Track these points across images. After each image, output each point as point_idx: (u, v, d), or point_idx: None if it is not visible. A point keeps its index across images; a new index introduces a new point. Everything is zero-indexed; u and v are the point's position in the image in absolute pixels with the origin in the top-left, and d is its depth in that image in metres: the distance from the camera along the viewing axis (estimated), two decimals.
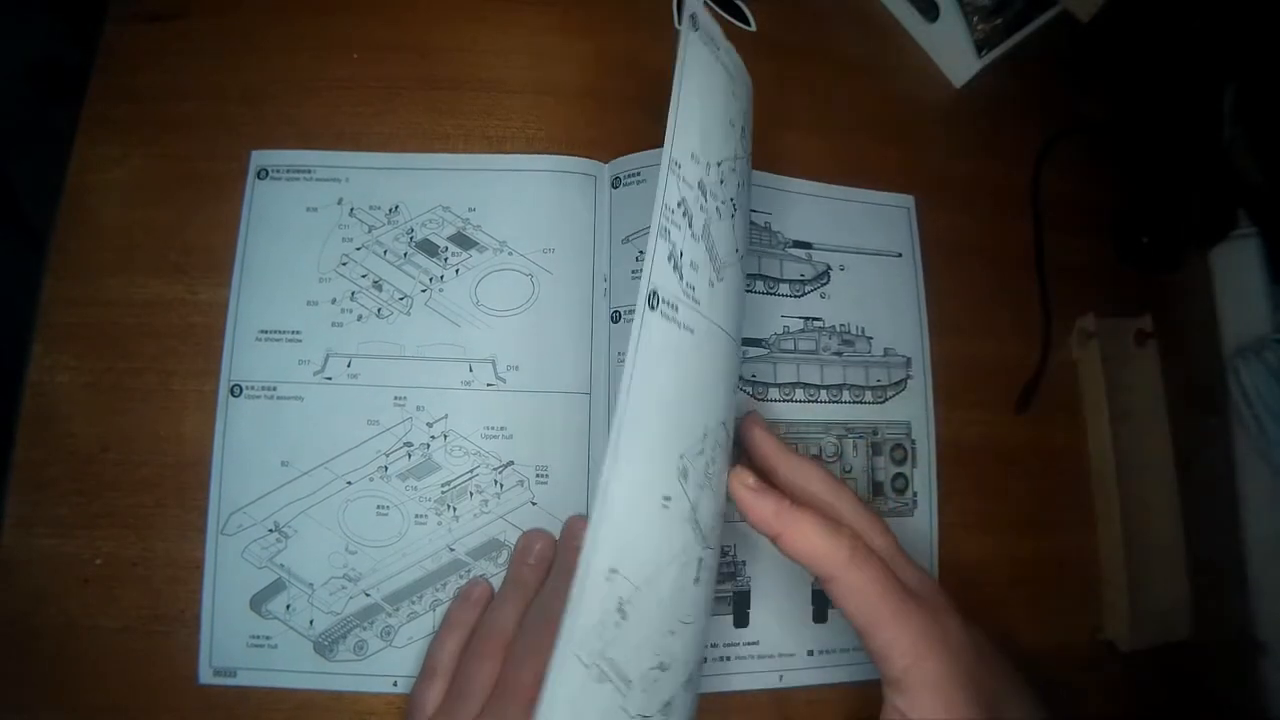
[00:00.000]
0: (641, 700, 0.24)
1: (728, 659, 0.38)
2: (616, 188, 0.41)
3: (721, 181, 0.29)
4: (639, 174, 0.40)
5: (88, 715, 0.34)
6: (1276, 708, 0.43)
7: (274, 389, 0.37)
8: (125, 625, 0.34)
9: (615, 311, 0.39)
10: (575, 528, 0.36)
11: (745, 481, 0.29)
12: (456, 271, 0.39)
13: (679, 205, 0.26)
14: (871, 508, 0.33)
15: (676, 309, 0.26)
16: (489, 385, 0.38)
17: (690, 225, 0.27)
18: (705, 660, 0.29)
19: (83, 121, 0.39)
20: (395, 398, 0.37)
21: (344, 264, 0.38)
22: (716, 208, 0.28)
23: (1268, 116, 0.48)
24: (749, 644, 0.38)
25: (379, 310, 0.38)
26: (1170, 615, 0.42)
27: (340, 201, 0.39)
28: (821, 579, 0.28)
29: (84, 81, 0.39)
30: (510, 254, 0.39)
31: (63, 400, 0.36)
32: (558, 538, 0.36)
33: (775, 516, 0.29)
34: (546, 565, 0.35)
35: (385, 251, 0.39)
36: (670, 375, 0.25)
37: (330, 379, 0.37)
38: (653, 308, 0.24)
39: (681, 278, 0.26)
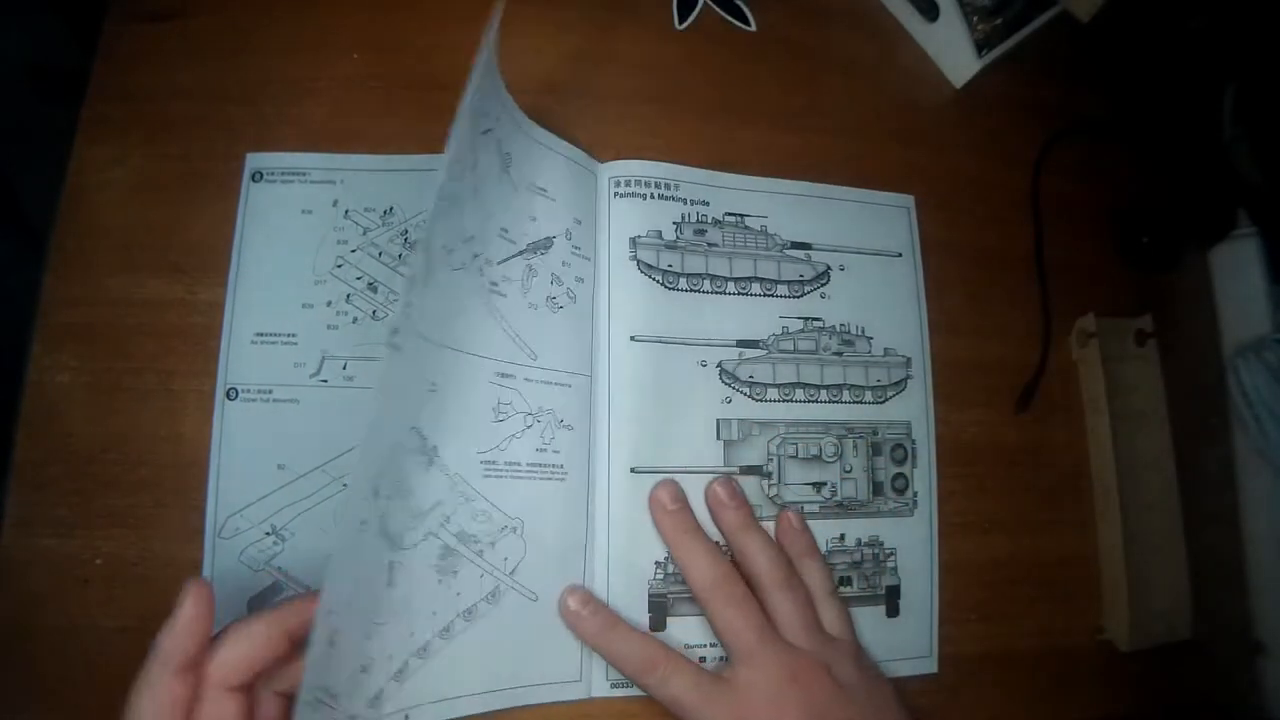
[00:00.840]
0: (349, 704, 0.29)
1: (727, 659, 0.37)
2: (616, 195, 0.41)
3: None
4: (634, 182, 0.41)
5: (87, 715, 0.34)
6: (1276, 708, 0.43)
7: (270, 391, 0.36)
8: (125, 625, 0.34)
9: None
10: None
11: (568, 603, 0.35)
12: None
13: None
14: (769, 582, 0.36)
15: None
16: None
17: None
18: (430, 639, 0.33)
19: (83, 121, 0.39)
20: None
21: (339, 266, 0.38)
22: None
23: (1268, 116, 0.48)
24: None
25: (374, 312, 0.38)
26: (1170, 615, 0.42)
27: (335, 204, 0.39)
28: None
29: (84, 81, 0.39)
30: None
31: (63, 400, 0.36)
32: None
33: (594, 635, 0.35)
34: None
35: (380, 254, 0.39)
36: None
37: (326, 381, 0.37)
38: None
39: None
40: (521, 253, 0.38)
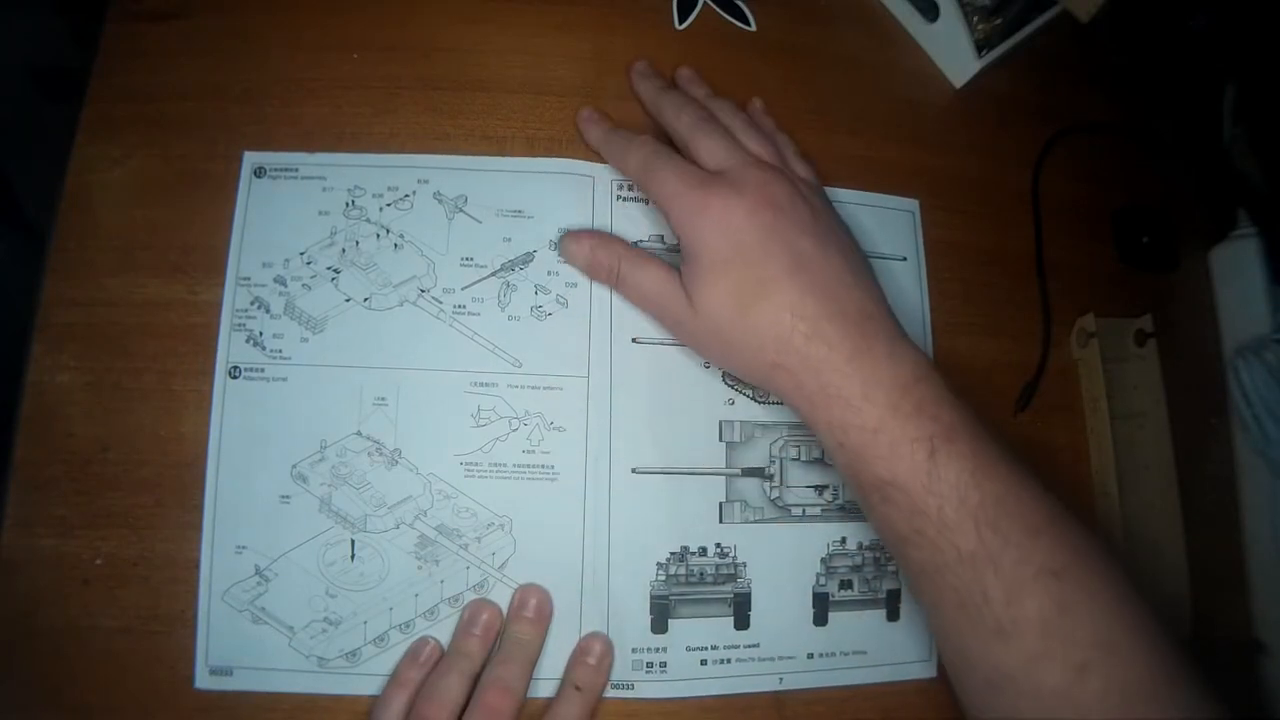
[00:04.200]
0: (313, 644, 0.34)
1: (728, 661, 0.38)
2: (618, 199, 0.41)
3: (309, 262, 0.38)
4: (636, 187, 0.41)
5: (87, 716, 0.34)
6: (1276, 708, 0.43)
7: (262, 369, 0.37)
8: (125, 625, 0.34)
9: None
10: (525, 597, 0.36)
11: (581, 112, 0.41)
12: None
13: (252, 304, 0.37)
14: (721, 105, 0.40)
15: (263, 370, 0.36)
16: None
17: (268, 310, 0.37)
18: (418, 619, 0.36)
19: (83, 121, 0.39)
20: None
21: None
22: (304, 284, 0.37)
23: (1268, 116, 0.48)
24: (749, 646, 0.38)
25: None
26: (1170, 615, 0.42)
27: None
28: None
29: (84, 81, 0.39)
30: None
31: (63, 400, 0.36)
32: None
33: (599, 140, 0.40)
34: (493, 635, 0.35)
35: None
36: (264, 415, 0.36)
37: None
38: (234, 377, 0.36)
39: (264, 349, 0.36)
40: (495, 273, 0.39)
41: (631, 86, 0.42)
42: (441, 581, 0.36)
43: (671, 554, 0.38)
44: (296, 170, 0.39)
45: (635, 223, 0.41)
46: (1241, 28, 0.49)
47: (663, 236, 0.40)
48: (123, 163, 0.38)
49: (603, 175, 0.41)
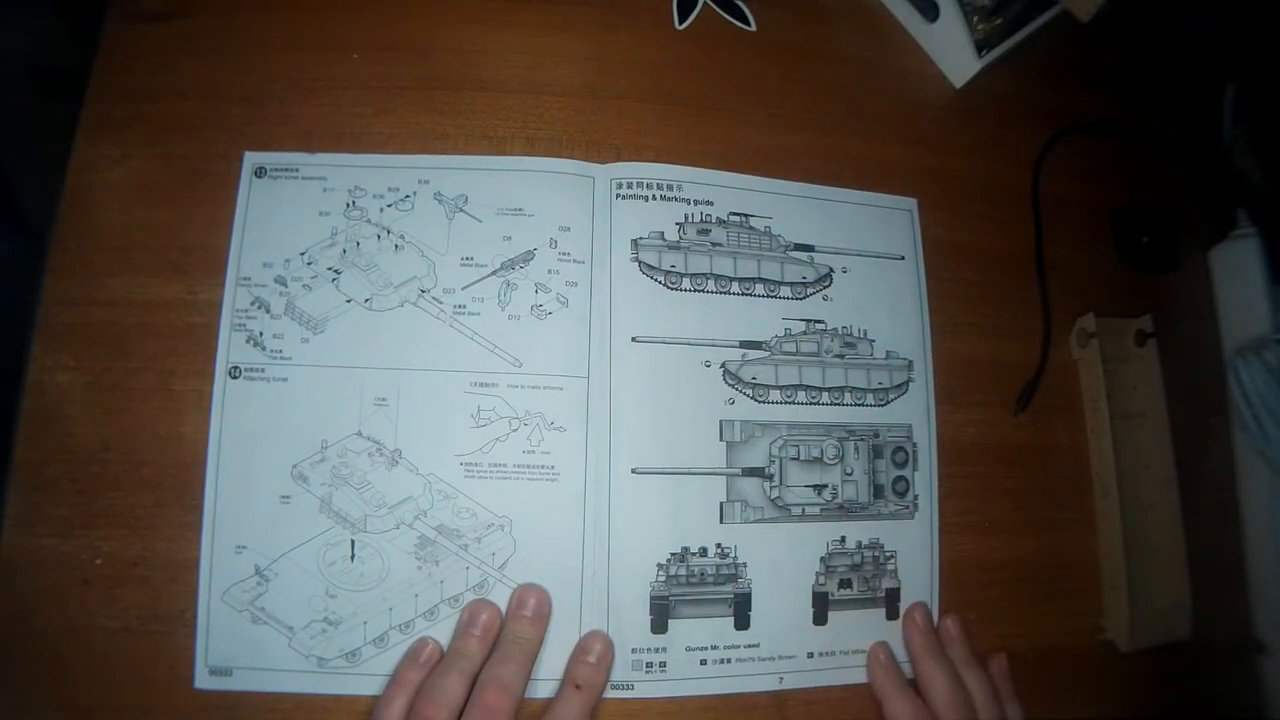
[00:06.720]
0: (312, 644, 0.35)
1: (728, 661, 0.38)
2: (618, 197, 0.41)
3: (310, 262, 0.38)
4: (635, 184, 0.41)
5: (87, 716, 0.34)
6: (1276, 708, 0.43)
7: (262, 369, 0.37)
8: (125, 625, 0.34)
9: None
10: (523, 597, 0.36)
11: (877, 654, 0.39)
12: None
13: (252, 304, 0.37)
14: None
15: (263, 370, 0.36)
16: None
17: (268, 311, 0.37)
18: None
19: (83, 121, 0.39)
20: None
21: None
22: (305, 284, 0.37)
23: (1268, 116, 0.48)
24: (749, 646, 0.38)
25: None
26: (1170, 615, 0.42)
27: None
28: None
29: (84, 81, 0.39)
30: None
31: (63, 400, 0.36)
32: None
33: (881, 685, 0.38)
34: (493, 634, 0.35)
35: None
36: (264, 415, 0.36)
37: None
38: (234, 377, 0.36)
39: (265, 349, 0.36)
40: (495, 272, 0.39)
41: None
42: (441, 582, 0.36)
43: (672, 554, 0.38)
44: (297, 170, 0.39)
45: (634, 220, 0.41)
46: (1241, 28, 0.49)
47: (663, 233, 0.41)
48: (123, 163, 0.38)
49: (602, 174, 0.41)
